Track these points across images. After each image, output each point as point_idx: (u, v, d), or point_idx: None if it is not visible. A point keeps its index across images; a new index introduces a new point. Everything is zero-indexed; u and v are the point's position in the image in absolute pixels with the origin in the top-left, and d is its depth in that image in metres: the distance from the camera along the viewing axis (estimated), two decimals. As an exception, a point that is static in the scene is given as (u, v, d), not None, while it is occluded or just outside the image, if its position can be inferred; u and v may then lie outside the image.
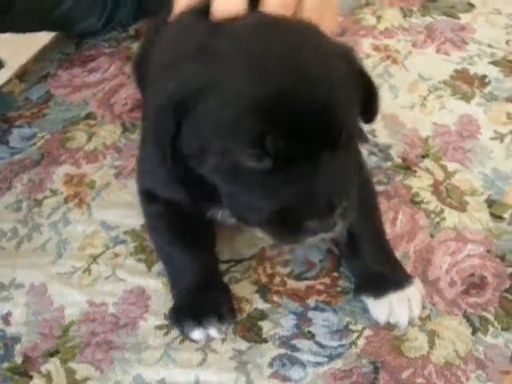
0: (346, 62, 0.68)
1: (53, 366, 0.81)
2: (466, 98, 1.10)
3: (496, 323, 0.82)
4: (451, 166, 0.99)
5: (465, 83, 1.12)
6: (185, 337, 0.82)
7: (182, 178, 0.76)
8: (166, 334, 0.83)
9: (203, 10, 0.74)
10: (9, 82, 1.22)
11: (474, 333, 0.81)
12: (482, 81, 1.12)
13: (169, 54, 0.75)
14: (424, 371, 0.78)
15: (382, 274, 0.84)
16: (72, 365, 0.81)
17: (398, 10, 1.28)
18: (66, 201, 0.99)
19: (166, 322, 0.84)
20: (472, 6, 1.28)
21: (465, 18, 1.25)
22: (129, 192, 0.99)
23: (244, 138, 0.64)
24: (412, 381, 0.77)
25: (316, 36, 0.70)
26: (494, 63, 1.16)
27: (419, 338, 0.81)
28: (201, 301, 0.83)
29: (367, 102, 0.72)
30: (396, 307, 0.81)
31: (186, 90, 0.66)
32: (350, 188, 0.68)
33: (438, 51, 1.19)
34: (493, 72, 1.14)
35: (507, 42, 1.20)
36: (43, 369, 0.80)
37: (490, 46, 1.19)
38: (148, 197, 0.86)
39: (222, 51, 0.66)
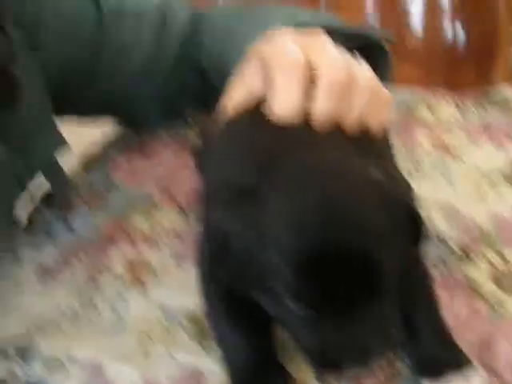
0: (395, 212, 0.69)
1: None
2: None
3: None
4: (510, 254, 0.98)
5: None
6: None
7: None
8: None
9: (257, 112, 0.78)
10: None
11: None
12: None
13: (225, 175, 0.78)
14: None
15: (439, 354, 0.81)
16: None
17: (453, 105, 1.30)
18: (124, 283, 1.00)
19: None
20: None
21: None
22: (188, 276, 0.99)
23: (283, 285, 0.67)
24: None
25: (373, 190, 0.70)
26: None
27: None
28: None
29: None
30: None
31: (223, 235, 0.69)
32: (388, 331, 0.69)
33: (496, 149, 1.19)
34: None
35: None
36: None
37: None
38: (207, 277, 0.85)
39: (261, 192, 0.69)
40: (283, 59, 0.83)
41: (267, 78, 0.83)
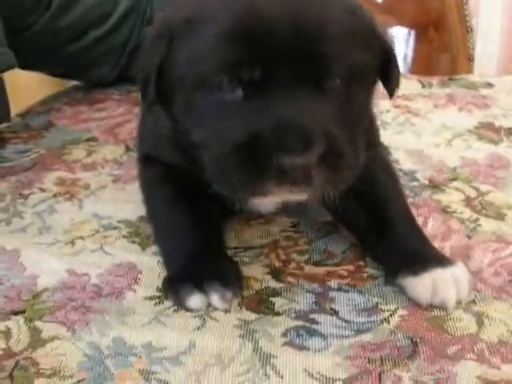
0: (354, 14, 0.64)
1: (14, 323, 0.66)
2: (494, 142, 1.03)
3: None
4: (484, 187, 0.90)
5: (491, 131, 1.06)
6: (180, 305, 0.67)
7: (175, 135, 0.69)
8: (158, 303, 0.68)
9: None
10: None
11: (528, 316, 0.67)
12: (510, 131, 1.06)
13: None
14: (474, 347, 0.63)
15: (419, 250, 0.71)
16: (38, 323, 0.66)
17: (417, 81, 1.26)
18: (55, 196, 0.88)
19: (159, 294, 0.70)
20: (491, 84, 1.26)
21: (485, 91, 1.22)
22: (126, 192, 0.89)
23: (216, 64, 0.59)
24: (460, 355, 0.62)
25: None
26: None
27: (465, 319, 0.67)
28: (202, 267, 0.69)
29: (385, 68, 0.67)
30: (441, 285, 0.68)
31: (175, 20, 0.64)
32: (340, 137, 0.59)
33: (460, 110, 1.14)
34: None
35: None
36: (2, 325, 0.65)
37: (513, 115, 1.14)
38: (148, 161, 0.78)
39: None
40: None
41: None
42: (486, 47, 2.22)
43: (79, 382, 0.59)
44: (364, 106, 0.67)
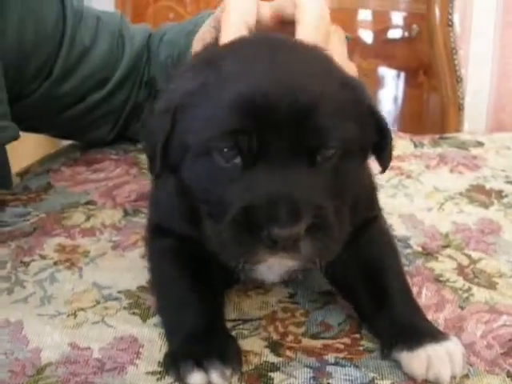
0: (349, 89, 0.68)
1: (18, 401, 0.67)
2: (485, 205, 1.06)
3: (544, 384, 0.70)
4: (475, 255, 0.93)
5: (481, 194, 1.09)
6: (181, 382, 0.69)
7: (185, 207, 0.73)
8: (160, 379, 0.70)
9: None
10: (8, 179, 1.17)
11: (521, 391, 0.69)
12: (500, 194, 1.10)
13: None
14: (467, 426, 0.65)
15: (414, 325, 0.73)
16: (43, 401, 0.67)
17: (409, 141, 1.29)
18: (55, 264, 0.90)
19: (160, 369, 0.71)
20: (481, 143, 1.29)
21: (475, 151, 1.25)
22: (126, 260, 0.91)
23: (218, 132, 0.63)
24: None
25: (321, 59, 0.71)
26: (511, 183, 1.14)
27: (458, 394, 0.68)
28: (202, 344, 0.71)
29: (378, 145, 0.71)
30: (436, 361, 0.69)
31: (179, 94, 0.68)
32: (327, 209, 0.63)
33: (451, 171, 1.17)
34: (510, 189, 1.11)
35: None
36: (6, 404, 0.66)
37: (503, 170, 1.17)
38: (158, 232, 0.80)
39: (218, 60, 0.68)
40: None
41: None
42: (475, 96, 2.26)
43: None
44: (354, 178, 0.70)
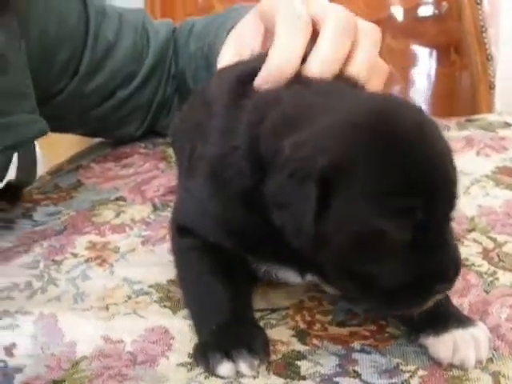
0: None
1: (56, 394, 0.69)
2: (511, 187, 1.06)
3: None
4: (501, 238, 0.93)
5: (508, 176, 1.09)
6: (210, 373, 0.71)
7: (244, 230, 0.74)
8: (190, 370, 0.72)
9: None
10: (40, 178, 1.20)
11: (545, 375, 0.70)
12: (527, 176, 1.09)
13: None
14: (491, 408, 0.66)
15: (440, 311, 0.74)
16: (78, 393, 0.69)
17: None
18: (87, 261, 0.92)
19: (191, 361, 0.73)
20: (509, 124, 1.28)
21: (503, 133, 1.25)
22: (155, 255, 0.93)
23: (395, 212, 0.64)
24: (478, 417, 0.65)
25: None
26: None
27: (482, 379, 0.69)
28: (231, 335, 0.73)
29: None
30: (461, 345, 0.71)
31: (329, 163, 0.64)
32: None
33: (478, 154, 1.17)
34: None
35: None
36: (44, 397, 0.69)
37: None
38: (183, 232, 0.82)
39: (356, 126, 0.66)
40: (286, 11, 0.81)
41: (268, 31, 0.83)
42: (506, 75, 2.24)
43: None
44: None
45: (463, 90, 2.25)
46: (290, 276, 0.79)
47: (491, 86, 2.10)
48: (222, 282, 0.77)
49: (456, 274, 0.67)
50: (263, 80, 0.76)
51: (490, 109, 2.05)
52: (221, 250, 0.78)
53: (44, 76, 1.06)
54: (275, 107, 0.71)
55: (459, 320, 0.74)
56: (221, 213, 0.75)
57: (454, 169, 0.68)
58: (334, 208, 0.64)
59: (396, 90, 2.17)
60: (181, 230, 0.82)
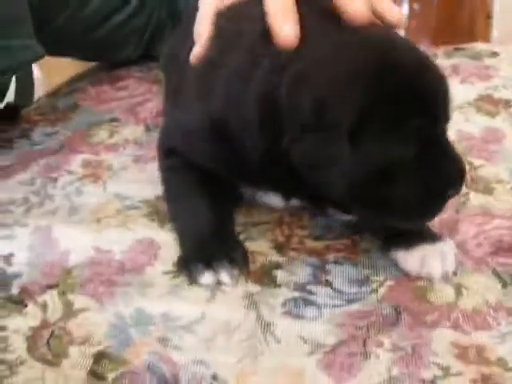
0: None
1: (49, 296, 0.75)
2: (491, 115, 1.09)
3: (529, 280, 0.76)
4: (477, 162, 0.97)
5: (489, 104, 1.12)
6: (193, 281, 0.76)
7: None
8: (174, 278, 0.77)
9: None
10: (39, 99, 1.24)
11: (504, 286, 0.75)
12: (508, 103, 1.12)
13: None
14: (451, 315, 0.71)
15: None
16: (70, 296, 0.75)
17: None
18: (81, 178, 0.97)
19: (174, 269, 0.79)
20: (496, 54, 1.31)
21: (489, 61, 1.27)
22: (146, 172, 0.98)
23: (403, 131, 0.69)
24: (437, 323, 0.70)
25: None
26: None
27: (445, 289, 0.75)
28: (212, 247, 0.78)
29: None
30: (429, 259, 0.77)
31: (355, 116, 0.68)
32: None
33: (462, 82, 1.20)
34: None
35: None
36: (39, 299, 0.75)
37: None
38: (170, 154, 0.86)
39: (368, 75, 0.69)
40: None
41: None
42: (504, 4, 2.23)
43: (106, 348, 0.69)
44: None
45: (463, 17, 2.25)
46: (274, 200, 0.84)
47: (489, 16, 2.10)
48: (204, 197, 0.82)
49: (463, 178, 0.73)
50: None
51: (487, 39, 2.06)
52: (205, 171, 0.82)
53: (40, 3, 1.08)
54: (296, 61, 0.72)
55: (428, 236, 0.79)
56: (212, 141, 0.79)
57: (449, 91, 0.74)
58: (361, 148, 0.68)
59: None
60: (167, 152, 0.87)
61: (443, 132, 0.74)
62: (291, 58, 0.71)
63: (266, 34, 0.73)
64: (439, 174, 0.72)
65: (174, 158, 0.86)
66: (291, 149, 0.70)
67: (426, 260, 0.77)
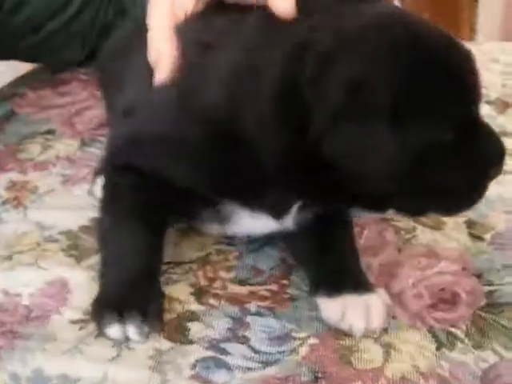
0: None
1: None
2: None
3: (466, 340, 0.69)
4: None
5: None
6: (100, 332, 0.70)
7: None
8: (81, 329, 0.71)
9: None
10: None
11: (438, 348, 0.69)
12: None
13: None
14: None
15: (341, 272, 0.73)
16: (-36, 350, 0.69)
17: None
18: (4, 203, 0.90)
19: (84, 317, 0.72)
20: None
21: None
22: (72, 197, 0.91)
23: (442, 113, 0.64)
24: (358, 394, 0.64)
25: None
26: (488, 102, 1.11)
27: (372, 350, 0.68)
28: (128, 294, 0.71)
29: None
30: (350, 310, 0.70)
31: (392, 100, 0.62)
32: None
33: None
34: (486, 110, 1.07)
35: (503, 86, 1.18)
36: None
37: (485, 88, 1.12)
38: (122, 171, 0.75)
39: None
40: None
41: None
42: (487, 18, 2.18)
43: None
44: None
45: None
46: (231, 227, 0.77)
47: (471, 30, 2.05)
48: (141, 231, 0.73)
49: (503, 156, 0.69)
50: None
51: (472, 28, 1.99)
52: (158, 190, 0.73)
53: None
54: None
55: (356, 283, 0.72)
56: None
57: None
58: (403, 133, 0.63)
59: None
60: (119, 168, 0.76)
61: (478, 112, 0.69)
62: (311, 38, 0.65)
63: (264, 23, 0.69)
64: (480, 155, 0.68)
65: (128, 176, 0.75)
66: (322, 140, 0.62)
67: (347, 312, 0.70)
